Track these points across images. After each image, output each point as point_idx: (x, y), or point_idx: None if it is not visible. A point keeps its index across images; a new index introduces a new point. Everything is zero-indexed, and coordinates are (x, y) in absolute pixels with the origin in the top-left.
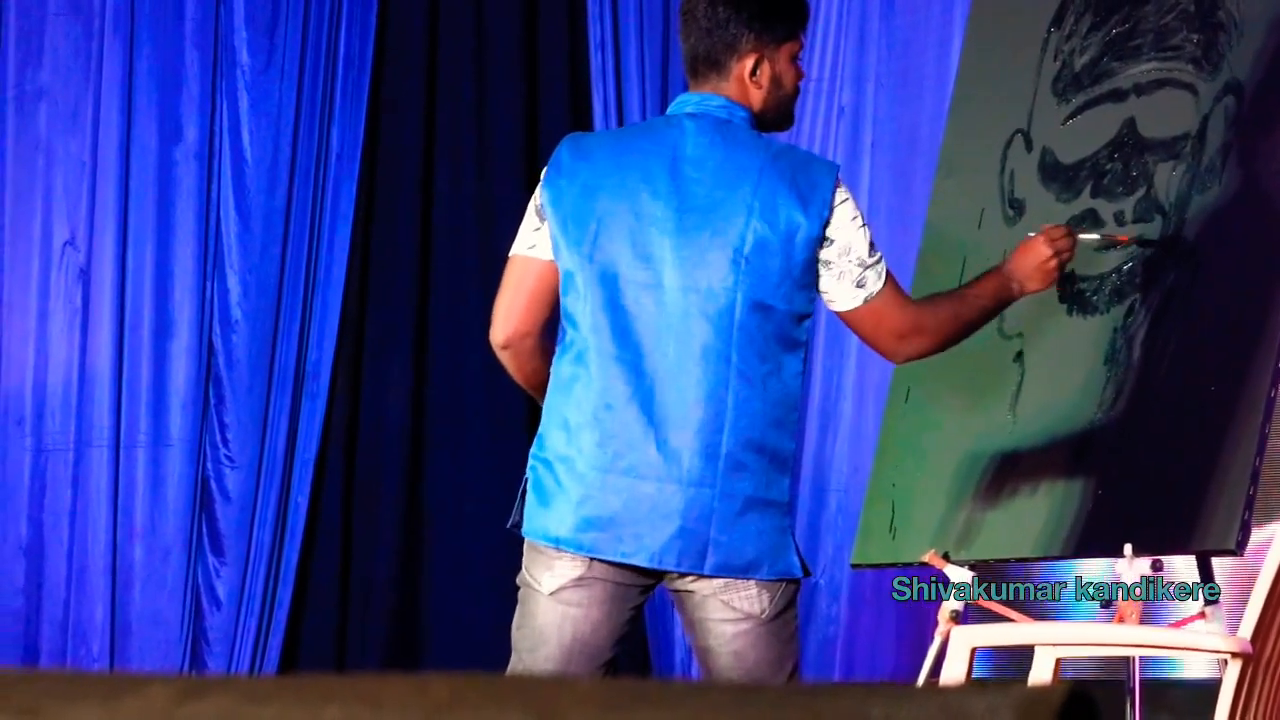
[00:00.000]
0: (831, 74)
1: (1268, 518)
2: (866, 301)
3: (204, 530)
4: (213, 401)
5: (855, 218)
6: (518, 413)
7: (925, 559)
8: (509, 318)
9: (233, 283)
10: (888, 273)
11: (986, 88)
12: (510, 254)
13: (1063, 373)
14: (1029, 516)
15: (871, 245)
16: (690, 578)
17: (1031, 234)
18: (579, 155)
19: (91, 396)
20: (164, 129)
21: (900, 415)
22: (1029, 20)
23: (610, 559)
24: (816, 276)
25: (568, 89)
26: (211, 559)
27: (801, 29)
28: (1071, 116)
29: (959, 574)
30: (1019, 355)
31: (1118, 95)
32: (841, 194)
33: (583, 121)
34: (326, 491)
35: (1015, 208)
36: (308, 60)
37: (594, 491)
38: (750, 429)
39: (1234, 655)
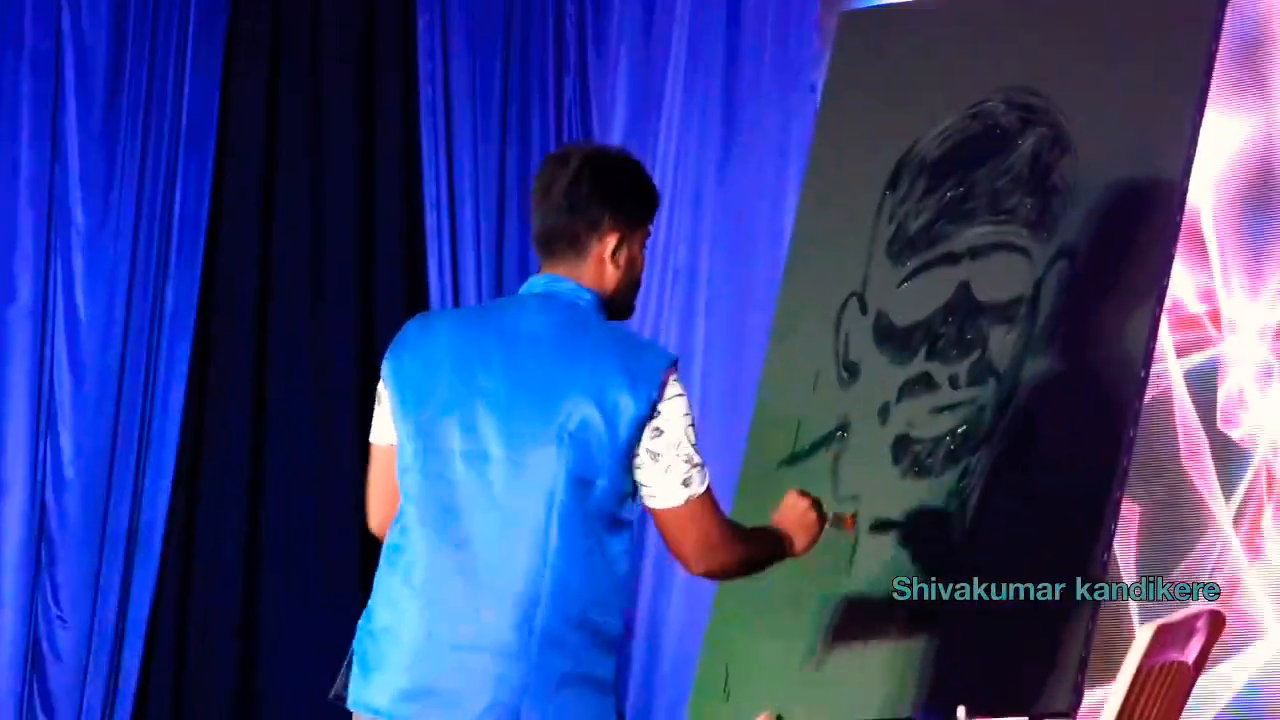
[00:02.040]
0: (666, 237)
1: (1102, 680)
2: (687, 501)
3: (35, 690)
4: (44, 562)
5: (687, 414)
6: (352, 564)
7: None
8: (379, 506)
9: (65, 442)
10: (708, 481)
11: (821, 249)
12: (370, 441)
13: (898, 534)
14: (866, 677)
15: (696, 448)
16: None
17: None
18: (425, 330)
19: None
20: None
21: None
22: (864, 183)
23: None
24: (640, 461)
25: (403, 252)
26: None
27: (653, 216)
28: (906, 279)
29: None
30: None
31: (952, 258)
32: (675, 387)
33: (419, 288)
34: (158, 652)
35: (850, 370)
36: (143, 218)
37: (415, 662)
38: (569, 605)
39: None
